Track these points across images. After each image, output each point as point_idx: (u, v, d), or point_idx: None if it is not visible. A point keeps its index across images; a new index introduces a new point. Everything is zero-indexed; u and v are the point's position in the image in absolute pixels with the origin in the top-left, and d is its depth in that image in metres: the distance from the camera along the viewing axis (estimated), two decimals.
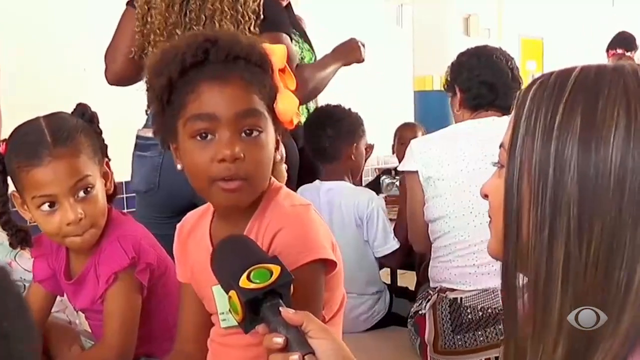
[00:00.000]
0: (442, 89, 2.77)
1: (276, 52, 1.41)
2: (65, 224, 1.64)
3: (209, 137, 1.32)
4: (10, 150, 1.66)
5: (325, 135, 2.92)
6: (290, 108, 1.40)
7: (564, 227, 0.89)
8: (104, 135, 1.78)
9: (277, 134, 1.41)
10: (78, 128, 1.69)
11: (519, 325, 0.96)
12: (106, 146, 1.78)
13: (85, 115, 1.75)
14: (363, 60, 2.87)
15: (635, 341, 0.87)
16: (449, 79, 2.65)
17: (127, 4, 2.42)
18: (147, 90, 1.41)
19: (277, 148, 1.42)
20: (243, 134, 1.32)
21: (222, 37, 1.37)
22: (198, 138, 1.32)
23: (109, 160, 1.77)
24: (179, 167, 1.40)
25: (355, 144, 2.96)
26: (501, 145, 1.01)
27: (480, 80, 2.52)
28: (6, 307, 0.63)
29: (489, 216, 1.04)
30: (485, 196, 1.05)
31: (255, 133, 1.33)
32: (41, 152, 1.61)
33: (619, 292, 0.87)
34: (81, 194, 1.64)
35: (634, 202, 0.87)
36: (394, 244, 2.82)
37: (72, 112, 1.75)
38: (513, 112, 0.97)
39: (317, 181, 2.95)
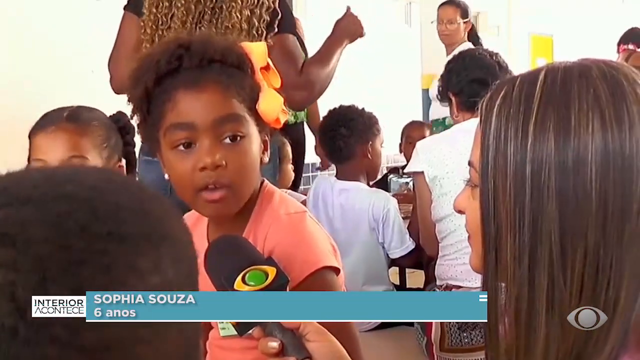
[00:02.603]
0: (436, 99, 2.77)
1: (255, 51, 1.36)
2: None
3: (190, 146, 1.29)
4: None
5: (339, 135, 2.91)
6: (274, 107, 1.35)
7: (545, 255, 0.84)
8: None
9: (264, 134, 1.38)
10: (99, 119, 1.76)
11: (501, 349, 0.92)
12: (126, 153, 1.84)
13: (119, 121, 1.82)
14: (364, 34, 2.68)
15: (619, 352, 0.85)
16: (441, 89, 2.67)
17: (125, 8, 2.38)
18: (127, 101, 1.38)
19: (265, 150, 1.39)
20: (225, 140, 1.29)
21: (195, 41, 1.34)
22: (179, 148, 1.30)
23: (122, 166, 1.80)
24: (166, 177, 1.37)
25: (370, 143, 2.96)
26: (470, 164, 0.97)
27: (470, 78, 2.54)
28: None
29: (467, 231, 1.00)
30: (460, 211, 1.01)
31: (236, 138, 1.30)
32: (51, 122, 1.69)
33: (607, 313, 0.83)
34: None
35: (618, 219, 0.82)
36: (410, 245, 2.84)
37: (110, 115, 1.82)
38: (479, 127, 0.92)
39: (332, 178, 2.97)
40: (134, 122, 1.42)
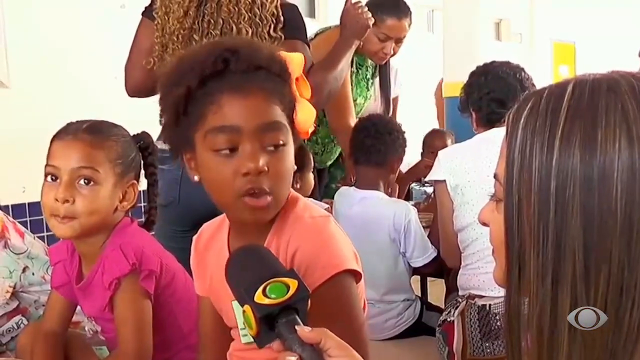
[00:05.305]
0: (457, 109, 2.76)
1: (294, 61, 1.36)
2: (53, 199, 1.68)
3: (233, 150, 1.28)
4: None
5: (379, 142, 2.91)
6: (310, 118, 1.35)
7: (569, 273, 0.82)
8: None
9: (295, 144, 1.37)
10: (117, 134, 1.77)
11: None
12: (148, 174, 1.87)
13: (142, 142, 1.85)
14: (369, 25, 2.81)
15: None
16: (462, 100, 2.66)
17: (143, 14, 2.41)
18: (160, 99, 1.37)
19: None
20: (269, 147, 1.28)
21: (243, 46, 1.33)
22: (222, 152, 1.28)
23: (135, 184, 1.80)
24: (196, 178, 1.35)
25: (400, 160, 2.99)
26: (495, 177, 0.95)
27: (490, 98, 2.54)
28: None
29: (491, 244, 0.98)
30: (485, 224, 0.99)
31: (278, 146, 1.29)
32: (70, 131, 1.72)
33: (630, 335, 0.82)
34: (82, 182, 1.68)
35: None
36: (432, 253, 2.81)
37: (133, 134, 1.84)
38: (505, 140, 0.90)
39: (352, 188, 2.95)
40: (160, 122, 1.41)
